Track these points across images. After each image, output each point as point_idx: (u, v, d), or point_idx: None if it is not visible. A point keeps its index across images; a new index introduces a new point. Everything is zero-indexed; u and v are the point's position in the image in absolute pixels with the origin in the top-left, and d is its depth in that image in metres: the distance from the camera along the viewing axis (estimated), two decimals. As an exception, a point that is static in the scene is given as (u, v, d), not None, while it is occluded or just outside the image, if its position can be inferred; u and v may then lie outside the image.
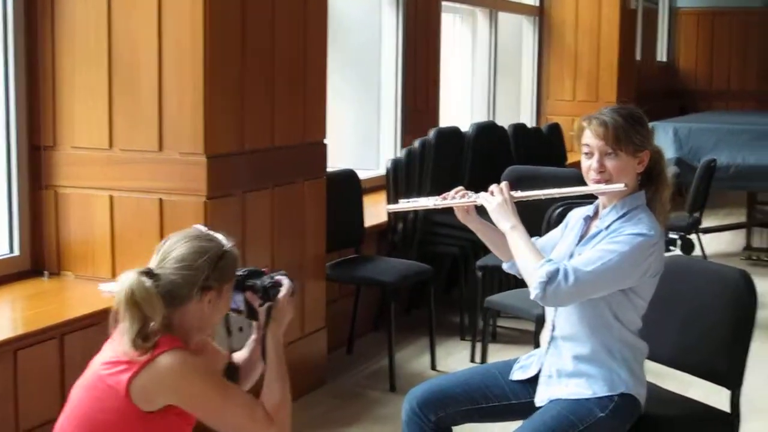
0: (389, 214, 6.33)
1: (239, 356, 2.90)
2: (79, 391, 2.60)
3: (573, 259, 3.10)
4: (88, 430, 2.54)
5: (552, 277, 2.97)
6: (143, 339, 2.49)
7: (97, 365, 2.58)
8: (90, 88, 4.43)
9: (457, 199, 3.28)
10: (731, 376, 3.36)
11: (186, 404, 2.54)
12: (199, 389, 2.55)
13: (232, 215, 4.47)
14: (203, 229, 2.71)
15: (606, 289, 3.06)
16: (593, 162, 3.12)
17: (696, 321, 3.48)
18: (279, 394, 2.67)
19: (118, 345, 2.54)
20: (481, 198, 3.22)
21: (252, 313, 2.76)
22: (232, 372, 2.81)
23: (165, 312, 2.54)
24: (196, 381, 2.54)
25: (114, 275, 4.45)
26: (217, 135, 4.32)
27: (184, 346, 2.57)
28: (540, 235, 3.51)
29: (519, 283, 4.25)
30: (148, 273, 2.56)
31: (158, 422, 2.53)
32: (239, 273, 2.73)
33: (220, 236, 2.68)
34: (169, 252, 2.61)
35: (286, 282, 2.77)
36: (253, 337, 2.87)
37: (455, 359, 5.80)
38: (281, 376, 2.71)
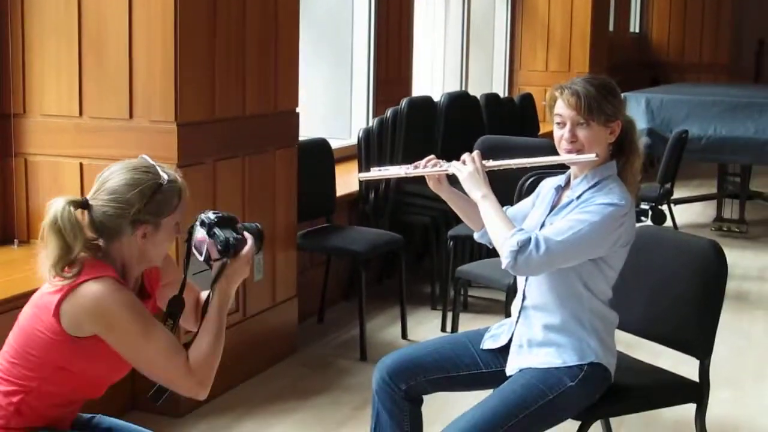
0: (360, 183, 6.33)
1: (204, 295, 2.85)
2: (27, 307, 2.60)
3: (544, 228, 3.11)
4: (27, 346, 2.54)
5: (523, 246, 2.97)
6: (63, 266, 2.47)
7: (44, 285, 2.57)
8: (60, 56, 4.39)
9: (428, 167, 3.28)
10: (700, 346, 3.38)
11: (106, 335, 2.50)
12: (120, 322, 2.49)
13: (203, 184, 4.45)
14: (149, 160, 2.64)
15: (577, 258, 3.06)
16: (565, 132, 3.12)
17: (666, 291, 3.50)
18: (207, 348, 2.60)
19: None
20: (453, 167, 3.22)
21: (208, 262, 2.69)
22: (176, 304, 2.74)
23: (94, 242, 2.54)
24: (116, 313, 2.48)
25: (84, 244, 4.43)
26: (187, 103, 4.29)
27: (114, 276, 2.53)
28: (511, 205, 3.52)
29: (490, 253, 4.26)
30: (81, 203, 2.54)
31: (88, 348, 2.52)
32: (212, 217, 2.66)
33: (161, 168, 2.61)
34: (105, 182, 2.57)
35: (249, 241, 2.69)
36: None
37: (426, 329, 5.82)
38: (215, 332, 2.63)
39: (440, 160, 3.29)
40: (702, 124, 8.48)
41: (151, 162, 2.62)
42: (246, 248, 2.67)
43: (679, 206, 9.39)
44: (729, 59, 15.47)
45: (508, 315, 3.46)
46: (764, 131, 8.32)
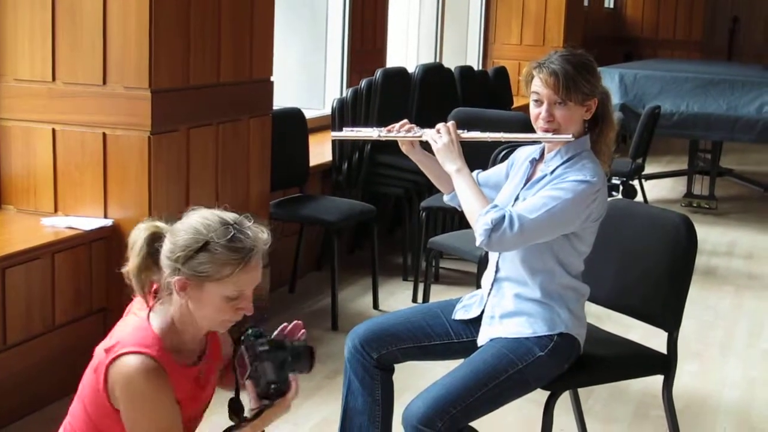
0: (334, 150, 6.34)
1: None
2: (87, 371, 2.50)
3: (517, 204, 3.12)
4: (85, 403, 2.47)
5: (497, 224, 2.99)
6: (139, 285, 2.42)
7: (100, 346, 2.47)
8: (33, 20, 4.35)
9: (402, 132, 3.28)
10: (669, 319, 3.41)
11: (123, 413, 2.39)
12: (137, 408, 2.36)
13: (176, 151, 4.44)
14: (236, 218, 2.45)
15: (550, 234, 3.08)
16: (542, 111, 3.12)
17: (636, 264, 3.53)
18: None
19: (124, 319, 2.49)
20: (427, 135, 3.23)
21: (237, 395, 2.49)
22: (236, 406, 2.54)
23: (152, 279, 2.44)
24: (136, 399, 2.35)
25: (56, 209, 4.42)
26: (162, 70, 4.28)
27: (155, 353, 2.36)
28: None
29: (462, 224, 4.28)
30: (159, 236, 2.44)
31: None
32: (258, 348, 2.44)
33: (244, 233, 2.41)
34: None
35: (293, 386, 2.46)
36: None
37: (397, 299, 5.84)
38: None
39: (414, 125, 3.29)
40: (675, 100, 8.53)
41: (236, 222, 2.43)
42: (290, 394, 2.46)
43: (650, 182, 9.46)
44: (702, 36, 15.53)
45: (479, 286, 3.48)
46: (736, 108, 8.37)
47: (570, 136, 3.11)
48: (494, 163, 4.96)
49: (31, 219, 4.37)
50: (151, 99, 4.23)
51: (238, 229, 2.40)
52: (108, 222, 4.33)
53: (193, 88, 4.53)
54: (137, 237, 2.43)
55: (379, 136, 3.32)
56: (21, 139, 4.46)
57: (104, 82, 4.29)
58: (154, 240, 2.43)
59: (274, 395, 2.40)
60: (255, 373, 2.42)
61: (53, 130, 4.39)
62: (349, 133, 3.58)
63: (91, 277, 4.30)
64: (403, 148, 3.33)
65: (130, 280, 2.45)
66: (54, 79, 4.37)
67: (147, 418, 2.36)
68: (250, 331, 2.46)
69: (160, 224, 2.46)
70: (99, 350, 2.44)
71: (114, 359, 2.35)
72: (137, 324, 2.44)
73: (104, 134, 4.30)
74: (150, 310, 2.46)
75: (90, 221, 4.31)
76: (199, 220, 2.40)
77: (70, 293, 4.20)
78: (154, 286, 2.47)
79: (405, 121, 3.32)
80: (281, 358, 2.45)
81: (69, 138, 4.37)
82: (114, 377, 2.35)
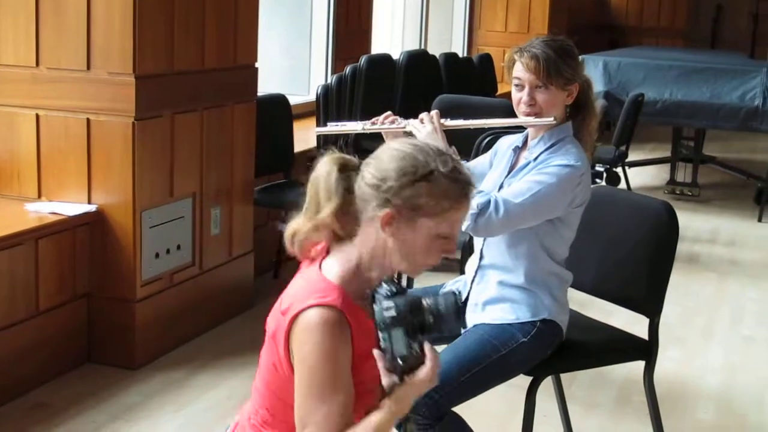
0: (318, 139, 6.33)
1: None
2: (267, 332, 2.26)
3: (502, 190, 3.14)
4: (273, 387, 2.22)
5: (483, 209, 3.00)
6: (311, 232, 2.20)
7: (271, 314, 2.25)
8: (17, 5, 4.34)
9: (386, 124, 3.29)
10: (650, 305, 3.43)
11: (295, 364, 2.12)
12: (311, 362, 2.07)
13: (161, 137, 4.44)
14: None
15: (535, 219, 3.10)
16: (524, 95, 3.14)
17: (618, 250, 3.54)
18: None
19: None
20: (411, 125, 3.24)
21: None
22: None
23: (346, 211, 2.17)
24: (314, 352, 2.07)
25: (40, 195, 4.42)
26: (146, 55, 4.27)
27: (341, 305, 2.09)
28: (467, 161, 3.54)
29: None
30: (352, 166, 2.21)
31: None
32: (387, 316, 2.02)
33: (449, 164, 2.14)
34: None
35: (428, 363, 2.02)
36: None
37: (381, 286, 5.83)
38: None
39: (398, 117, 3.30)
40: (658, 87, 8.54)
41: (449, 152, 2.20)
42: (423, 371, 2.04)
43: (633, 169, 9.47)
44: (686, 24, 15.54)
45: (462, 272, 3.49)
46: (719, 96, 8.39)
47: (552, 119, 3.12)
48: (477, 151, 4.97)
49: (15, 204, 4.37)
50: (135, 85, 4.23)
51: (456, 159, 2.17)
52: (92, 207, 4.33)
53: (178, 73, 4.53)
54: (329, 171, 2.19)
55: (363, 129, 3.32)
56: (4, 125, 4.45)
57: (88, 68, 4.28)
58: (344, 170, 2.19)
59: (403, 372, 2.01)
60: (384, 343, 2.03)
61: (37, 116, 4.39)
62: (333, 127, 3.60)
63: (75, 263, 4.30)
64: (388, 140, 3.33)
65: (301, 238, 2.28)
66: (38, 64, 4.36)
67: (318, 375, 2.07)
68: (382, 287, 2.06)
69: (344, 155, 2.23)
70: (273, 317, 2.22)
71: (294, 318, 2.11)
72: (310, 277, 2.21)
73: (88, 120, 4.30)
74: (321, 261, 2.23)
75: (74, 207, 4.31)
76: (409, 146, 2.15)
77: (54, 279, 4.20)
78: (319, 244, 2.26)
79: (389, 113, 3.33)
80: (417, 324, 2.04)
81: (53, 123, 4.36)
82: (295, 335, 2.11)
